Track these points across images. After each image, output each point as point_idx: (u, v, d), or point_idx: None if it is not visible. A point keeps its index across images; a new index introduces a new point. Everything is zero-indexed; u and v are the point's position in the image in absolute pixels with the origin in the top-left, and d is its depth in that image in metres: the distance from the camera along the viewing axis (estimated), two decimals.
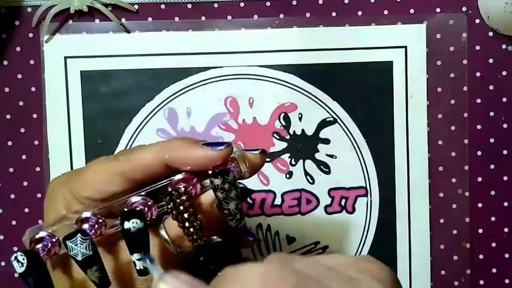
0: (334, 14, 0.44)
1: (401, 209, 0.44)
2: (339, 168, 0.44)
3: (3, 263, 0.44)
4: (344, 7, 0.44)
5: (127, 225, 0.27)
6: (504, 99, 0.45)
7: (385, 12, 0.44)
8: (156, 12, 0.44)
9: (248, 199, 0.44)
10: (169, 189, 0.29)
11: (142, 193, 0.29)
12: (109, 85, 0.44)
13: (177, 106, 0.44)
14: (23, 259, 0.27)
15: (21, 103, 0.44)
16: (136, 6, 0.44)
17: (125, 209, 0.29)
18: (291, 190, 0.44)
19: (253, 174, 0.32)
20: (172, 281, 0.21)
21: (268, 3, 0.44)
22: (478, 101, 0.45)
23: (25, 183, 0.44)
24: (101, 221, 0.29)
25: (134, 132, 0.44)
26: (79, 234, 0.27)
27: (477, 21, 0.44)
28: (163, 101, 0.44)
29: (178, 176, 0.29)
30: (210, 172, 0.29)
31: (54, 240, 0.29)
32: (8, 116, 0.44)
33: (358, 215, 0.45)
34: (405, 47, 0.44)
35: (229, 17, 0.44)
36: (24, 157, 0.44)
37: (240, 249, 0.32)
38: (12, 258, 0.27)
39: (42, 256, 0.28)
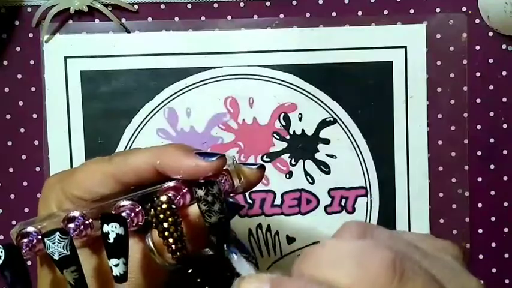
0: (334, 14, 0.44)
1: (401, 209, 0.44)
2: (339, 168, 0.44)
3: None
4: (344, 7, 0.44)
5: (106, 228, 0.27)
6: (504, 99, 0.45)
7: (385, 12, 0.44)
8: (156, 12, 0.44)
9: (249, 199, 0.44)
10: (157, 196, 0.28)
11: (135, 198, 0.29)
12: (109, 85, 0.44)
13: (177, 106, 0.44)
14: (1, 252, 0.27)
15: (21, 103, 0.44)
16: (136, 6, 0.44)
17: (112, 212, 0.28)
18: (291, 190, 0.44)
19: (249, 190, 0.31)
20: (253, 281, 0.20)
21: (268, 3, 0.44)
22: (478, 101, 0.45)
23: (25, 183, 0.44)
24: (87, 222, 0.28)
25: (134, 132, 0.44)
26: (58, 233, 0.27)
27: (477, 21, 0.44)
28: (163, 101, 0.44)
29: (169, 184, 0.28)
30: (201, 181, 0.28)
31: (39, 237, 0.28)
32: (8, 116, 0.44)
33: (358, 215, 0.45)
34: (405, 47, 0.44)
35: (229, 17, 0.44)
36: (24, 157, 0.44)
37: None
38: None
39: (25, 251, 0.28)
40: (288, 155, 0.44)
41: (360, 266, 0.19)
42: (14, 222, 0.44)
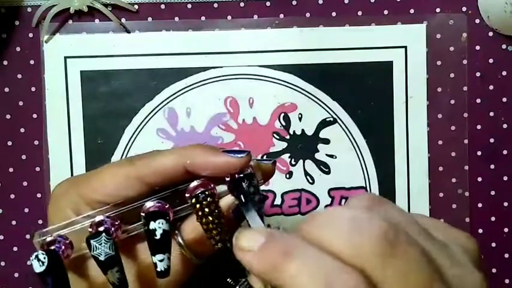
0: (334, 14, 0.44)
1: None
2: (339, 168, 0.44)
3: (3, 263, 0.44)
4: (344, 7, 0.44)
5: (153, 225, 0.27)
6: (504, 99, 0.45)
7: (385, 12, 0.44)
8: (156, 12, 0.44)
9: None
10: (187, 195, 0.29)
11: (155, 199, 0.29)
12: (109, 85, 0.44)
13: (177, 106, 0.44)
14: (44, 258, 0.27)
15: (21, 103, 0.44)
16: (136, 6, 0.44)
17: (142, 214, 0.29)
18: (291, 190, 0.44)
19: (265, 182, 0.32)
20: (249, 233, 0.22)
21: (268, 3, 0.44)
22: (478, 101, 0.45)
23: (25, 183, 0.44)
24: (116, 223, 0.29)
25: (134, 132, 0.44)
26: (104, 234, 0.27)
27: (477, 21, 0.44)
28: (163, 101, 0.44)
29: (195, 183, 0.29)
30: (227, 178, 0.29)
31: (67, 242, 0.28)
32: (8, 116, 0.44)
33: None
34: (405, 47, 0.44)
35: (229, 17, 0.44)
36: (24, 157, 0.44)
37: None
38: (33, 257, 0.27)
39: None
40: (288, 155, 0.44)
41: (354, 232, 0.20)
42: (14, 223, 0.44)
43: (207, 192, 0.28)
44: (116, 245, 0.28)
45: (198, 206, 0.28)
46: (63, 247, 0.28)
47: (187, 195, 0.29)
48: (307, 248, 0.20)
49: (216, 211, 0.28)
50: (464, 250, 0.22)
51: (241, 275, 0.31)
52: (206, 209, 0.28)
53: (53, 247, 0.28)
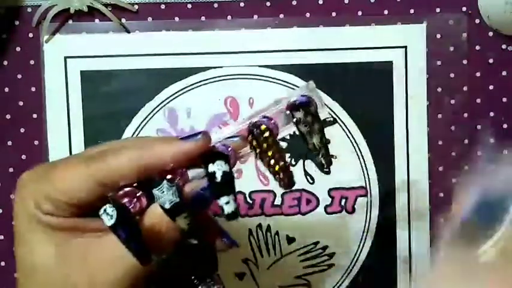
0: (334, 14, 0.44)
1: (401, 209, 0.44)
2: (339, 168, 0.44)
3: (3, 263, 0.44)
4: (344, 7, 0.44)
5: (212, 168, 0.26)
6: (504, 99, 0.45)
7: (385, 12, 0.44)
8: (156, 12, 0.44)
9: (249, 199, 0.44)
10: (250, 128, 0.28)
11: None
12: (109, 85, 0.44)
13: (177, 106, 0.44)
14: (112, 211, 0.25)
15: (21, 103, 0.44)
16: (136, 6, 0.44)
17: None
18: (291, 190, 0.44)
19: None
20: None
21: (268, 3, 0.44)
22: (478, 101, 0.45)
23: None
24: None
25: (134, 132, 0.44)
26: (165, 181, 0.26)
27: (477, 21, 0.44)
28: (163, 101, 0.44)
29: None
30: (289, 103, 0.28)
31: (138, 195, 0.27)
32: (8, 116, 0.44)
33: (358, 215, 0.45)
34: (405, 47, 0.44)
35: (229, 17, 0.44)
36: (24, 157, 0.44)
37: (217, 252, 0.31)
38: (101, 211, 0.25)
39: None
40: (288, 155, 0.44)
41: None
42: (14, 223, 0.44)
43: (262, 128, 0.27)
44: (181, 191, 0.27)
45: (254, 142, 0.27)
46: (134, 200, 0.27)
47: (250, 128, 0.29)
48: None
49: (275, 146, 0.27)
50: None
51: (206, 274, 0.30)
52: (264, 145, 0.27)
53: (124, 200, 0.27)
